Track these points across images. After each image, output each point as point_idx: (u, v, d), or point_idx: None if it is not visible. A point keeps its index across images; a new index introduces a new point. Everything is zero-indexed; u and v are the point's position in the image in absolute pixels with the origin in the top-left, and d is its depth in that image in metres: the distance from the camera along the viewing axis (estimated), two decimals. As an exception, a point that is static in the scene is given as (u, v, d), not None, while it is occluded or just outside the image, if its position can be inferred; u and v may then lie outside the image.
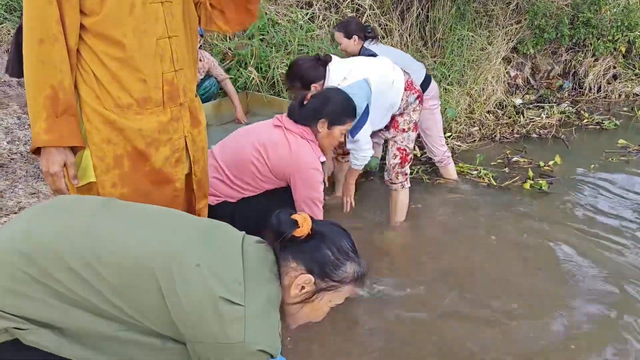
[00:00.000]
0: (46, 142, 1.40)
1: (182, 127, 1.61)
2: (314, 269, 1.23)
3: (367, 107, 2.67)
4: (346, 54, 3.46)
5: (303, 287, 1.23)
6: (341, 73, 2.68)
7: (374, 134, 2.88)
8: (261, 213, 2.15)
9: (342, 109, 2.33)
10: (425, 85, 3.40)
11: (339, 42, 3.53)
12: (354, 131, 2.67)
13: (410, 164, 3.06)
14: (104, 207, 1.23)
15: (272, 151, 2.19)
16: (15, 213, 2.60)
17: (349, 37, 3.43)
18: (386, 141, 3.22)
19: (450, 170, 3.81)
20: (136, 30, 1.45)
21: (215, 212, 2.12)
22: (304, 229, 1.24)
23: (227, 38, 4.43)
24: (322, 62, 2.71)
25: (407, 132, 2.96)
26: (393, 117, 2.93)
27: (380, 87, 2.72)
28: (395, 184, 3.07)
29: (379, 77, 2.73)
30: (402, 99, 2.84)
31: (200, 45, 3.82)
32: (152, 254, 1.13)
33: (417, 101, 2.93)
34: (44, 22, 1.34)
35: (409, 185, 3.12)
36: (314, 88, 2.65)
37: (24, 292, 1.07)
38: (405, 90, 2.85)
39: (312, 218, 1.28)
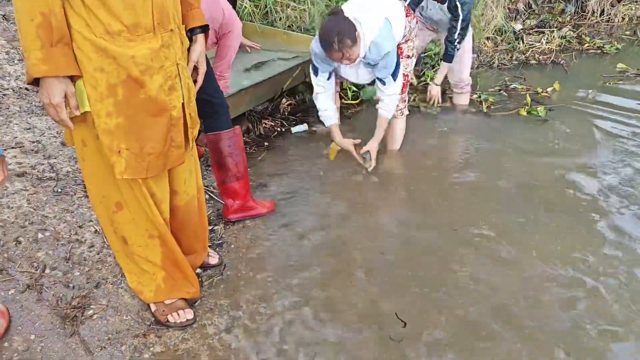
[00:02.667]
0: (45, 72, 1.37)
1: (174, 54, 1.59)
2: None
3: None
4: None
5: None
6: (369, 23, 2.60)
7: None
8: None
9: None
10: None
11: None
12: (395, 74, 2.72)
13: (407, 90, 3.05)
14: None
15: None
16: (13, 148, 2.61)
17: None
18: None
19: (465, 98, 3.83)
20: None
21: None
22: None
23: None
24: (342, 15, 2.55)
25: (410, 57, 2.99)
26: (398, 46, 2.90)
27: (395, 25, 2.71)
28: (395, 110, 3.06)
29: (388, 13, 2.68)
30: (405, 27, 2.81)
31: None
32: None
33: (416, 25, 2.93)
34: None
35: (408, 112, 3.12)
36: (357, 36, 2.53)
37: None
38: (406, 16, 2.83)
39: None
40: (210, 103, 2.26)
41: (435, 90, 3.65)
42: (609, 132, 3.40)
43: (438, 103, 3.72)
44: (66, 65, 1.40)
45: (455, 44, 3.35)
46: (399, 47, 2.89)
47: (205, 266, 2.23)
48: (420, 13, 3.46)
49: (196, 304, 2.07)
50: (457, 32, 3.30)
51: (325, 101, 2.83)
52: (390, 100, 2.81)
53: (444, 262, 2.31)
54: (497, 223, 2.55)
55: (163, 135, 1.61)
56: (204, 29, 1.76)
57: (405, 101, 3.07)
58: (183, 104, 1.67)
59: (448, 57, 3.44)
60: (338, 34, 2.44)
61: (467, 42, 3.54)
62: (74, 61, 1.43)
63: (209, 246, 2.34)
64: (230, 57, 2.80)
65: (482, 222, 2.55)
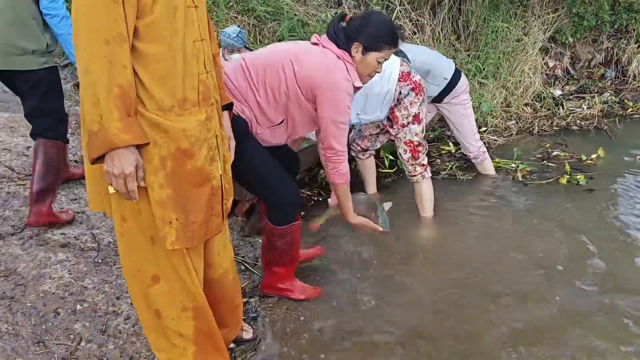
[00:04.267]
0: (128, 141, 1.40)
1: (214, 126, 1.66)
2: None
3: None
4: None
5: None
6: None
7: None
8: (258, 164, 2.14)
9: (378, 33, 2.13)
10: (454, 80, 3.37)
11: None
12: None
13: (425, 153, 3.05)
14: None
15: (304, 58, 2.09)
16: (58, 219, 2.70)
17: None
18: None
19: (487, 166, 3.72)
20: (179, 32, 1.49)
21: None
22: None
23: (258, 41, 4.47)
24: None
25: (407, 126, 2.97)
26: (392, 111, 2.97)
27: None
28: (414, 175, 3.07)
29: None
30: (395, 89, 2.86)
31: (246, 45, 3.81)
32: None
33: (414, 93, 2.92)
34: (110, 22, 1.35)
35: (430, 174, 3.11)
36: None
37: None
38: (399, 81, 2.88)
39: None
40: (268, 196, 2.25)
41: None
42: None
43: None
44: (142, 134, 1.45)
45: None
46: (393, 112, 2.96)
47: (238, 341, 2.18)
48: None
49: (228, 381, 2.01)
50: None
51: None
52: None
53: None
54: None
55: (205, 204, 1.65)
56: (229, 106, 1.86)
57: (424, 165, 3.05)
58: (221, 174, 1.72)
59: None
60: None
61: (458, 109, 3.50)
62: (144, 130, 1.48)
63: (243, 319, 2.31)
64: None
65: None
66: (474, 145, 3.63)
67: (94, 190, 1.61)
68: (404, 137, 2.99)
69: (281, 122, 2.19)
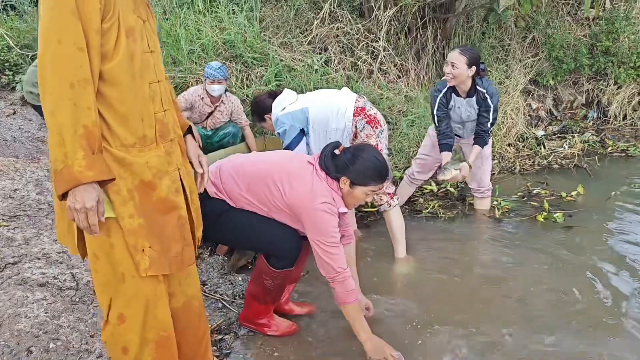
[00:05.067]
0: (92, 178, 1.47)
1: (176, 160, 1.76)
2: None
3: (303, 131, 3.03)
4: (453, 80, 3.30)
5: None
6: (282, 104, 3.10)
7: None
8: (249, 228, 2.23)
9: (366, 171, 2.19)
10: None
11: (453, 65, 3.27)
12: (289, 148, 3.01)
13: (389, 182, 3.12)
14: None
15: (294, 182, 2.17)
16: (39, 259, 2.74)
17: (469, 65, 3.25)
18: None
19: (486, 203, 3.81)
20: (136, 75, 1.62)
21: (211, 204, 2.15)
22: None
23: (245, 85, 4.62)
24: (273, 95, 3.17)
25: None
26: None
27: (322, 114, 3.04)
28: (381, 204, 3.13)
29: (320, 105, 3.05)
30: (352, 124, 3.06)
31: (226, 90, 4.00)
32: None
33: (369, 126, 3.05)
34: (76, 67, 1.44)
35: (397, 203, 3.15)
36: (267, 118, 3.19)
37: None
38: (354, 116, 3.06)
39: None
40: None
41: (465, 171, 3.35)
42: (629, 233, 3.29)
43: (462, 180, 3.53)
44: (107, 170, 1.51)
45: (489, 131, 3.40)
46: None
47: None
48: (446, 114, 3.45)
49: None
50: (490, 121, 3.35)
51: None
52: None
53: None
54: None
55: (179, 233, 1.73)
56: (189, 130, 1.94)
57: (389, 193, 3.11)
58: (189, 205, 1.79)
59: (481, 141, 3.40)
60: (253, 104, 3.30)
61: (487, 148, 3.59)
62: (109, 166, 1.55)
63: (216, 356, 2.32)
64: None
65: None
66: (486, 180, 3.72)
67: (61, 225, 1.67)
68: None
69: None
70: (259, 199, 2.22)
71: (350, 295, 2.19)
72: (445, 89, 3.39)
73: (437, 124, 3.41)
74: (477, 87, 3.32)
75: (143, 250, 1.65)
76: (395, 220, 3.16)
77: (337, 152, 2.26)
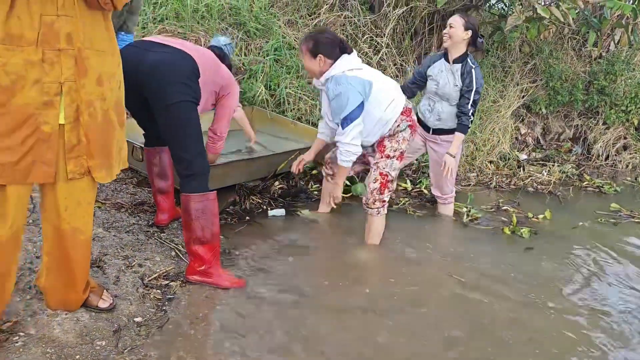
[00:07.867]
0: None
1: (59, 73, 1.63)
2: None
3: (362, 103, 2.80)
4: (449, 40, 3.37)
5: None
6: (350, 65, 2.82)
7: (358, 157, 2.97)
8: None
9: None
10: None
11: (451, 26, 3.36)
12: (344, 122, 2.78)
13: (390, 192, 3.10)
14: None
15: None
16: None
17: (466, 28, 3.33)
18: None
19: (449, 209, 3.84)
20: None
21: None
22: None
23: (243, 54, 4.62)
24: (343, 47, 2.86)
25: (391, 159, 3.02)
26: (382, 140, 3.02)
27: (380, 96, 2.87)
28: (371, 209, 3.10)
29: (382, 87, 2.88)
30: (395, 120, 2.94)
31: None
32: None
33: (409, 131, 3.02)
34: None
35: (385, 212, 3.15)
36: (319, 59, 2.82)
37: None
38: (401, 114, 2.96)
39: None
40: (190, 164, 2.38)
41: (450, 161, 3.45)
42: (585, 266, 3.35)
43: (449, 174, 3.53)
44: None
45: (469, 114, 3.39)
46: (382, 142, 3.00)
47: (91, 307, 2.10)
48: (423, 76, 3.55)
49: (125, 351, 2.00)
50: (470, 102, 3.37)
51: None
52: (341, 146, 2.84)
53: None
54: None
55: (20, 145, 1.62)
56: None
57: (384, 202, 3.08)
58: (64, 125, 1.69)
59: (463, 127, 3.43)
60: (310, 37, 2.87)
61: (455, 161, 3.54)
62: None
63: (159, 299, 2.33)
64: (229, 117, 2.84)
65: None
66: (450, 187, 3.74)
67: None
68: (383, 168, 3.00)
69: None
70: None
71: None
72: (437, 58, 3.51)
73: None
74: (468, 59, 3.39)
75: None
76: (378, 225, 3.15)
77: None
